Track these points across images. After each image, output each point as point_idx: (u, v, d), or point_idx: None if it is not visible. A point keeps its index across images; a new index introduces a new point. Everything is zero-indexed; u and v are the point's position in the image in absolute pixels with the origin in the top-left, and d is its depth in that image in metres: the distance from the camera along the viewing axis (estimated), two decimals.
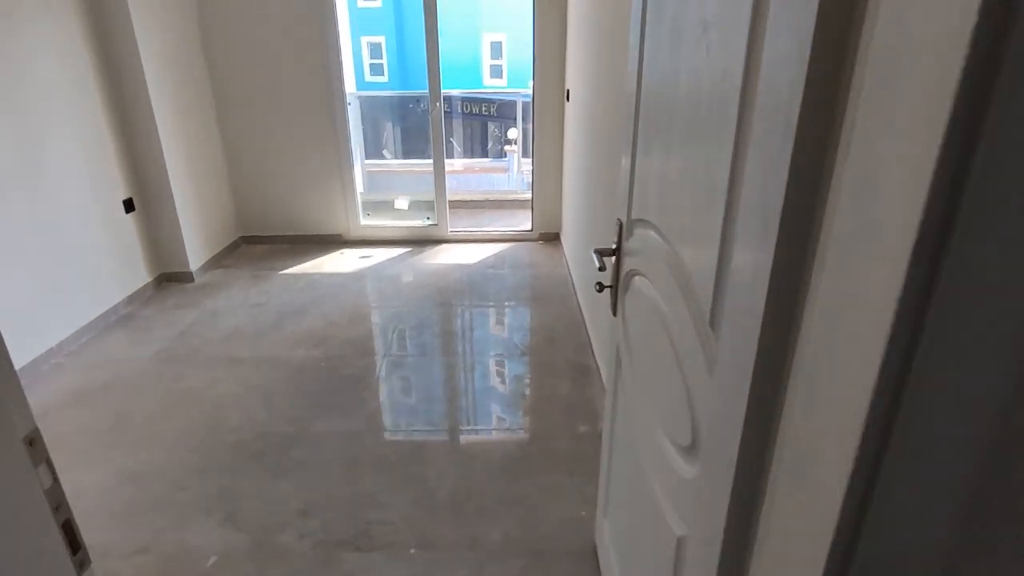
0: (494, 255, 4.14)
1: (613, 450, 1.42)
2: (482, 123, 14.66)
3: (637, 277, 1.20)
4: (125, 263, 3.34)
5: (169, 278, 3.67)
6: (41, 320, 2.75)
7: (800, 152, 0.52)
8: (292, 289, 3.58)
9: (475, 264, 3.98)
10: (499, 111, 14.10)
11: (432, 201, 4.33)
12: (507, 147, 8.63)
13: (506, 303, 3.43)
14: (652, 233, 1.06)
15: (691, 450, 0.84)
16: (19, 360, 2.61)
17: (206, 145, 3.92)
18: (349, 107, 4.12)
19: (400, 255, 4.16)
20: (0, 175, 2.54)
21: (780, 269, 0.56)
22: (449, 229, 4.38)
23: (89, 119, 3.07)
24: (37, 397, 2.50)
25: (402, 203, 4.72)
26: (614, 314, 1.39)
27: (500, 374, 2.70)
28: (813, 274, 0.53)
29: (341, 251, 4.24)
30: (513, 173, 8.11)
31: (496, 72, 18.32)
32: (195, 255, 3.73)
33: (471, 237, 4.42)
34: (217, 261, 3.99)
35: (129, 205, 3.36)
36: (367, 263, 4.02)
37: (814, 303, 0.53)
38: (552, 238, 4.39)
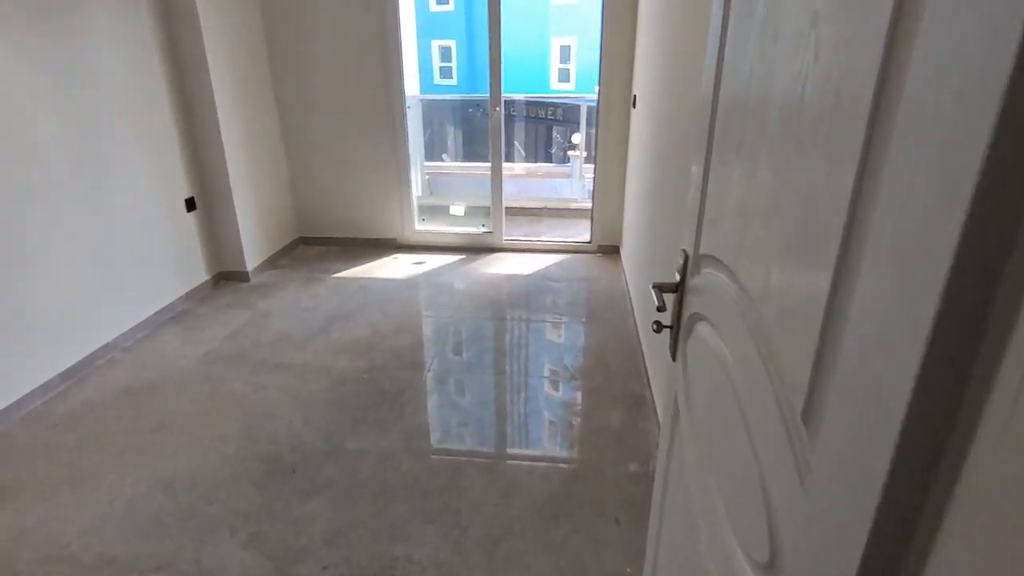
0: (549, 266, 3.97)
1: (664, 517, 1.22)
2: (547, 127, 14.52)
3: (702, 323, 1.01)
4: (184, 261, 3.39)
5: (227, 277, 3.72)
6: (100, 314, 2.81)
7: (989, 186, 0.33)
8: (343, 293, 3.54)
9: (529, 275, 3.82)
10: (565, 115, 13.92)
11: (488, 207, 4.21)
12: (570, 152, 8.44)
13: (559, 319, 3.25)
14: (724, 278, 0.86)
15: (769, 570, 0.65)
16: (76, 354, 2.67)
17: (268, 145, 3.96)
18: (409, 111, 4.07)
19: (453, 262, 4.06)
20: (67, 171, 2.60)
21: (941, 355, 0.37)
22: (504, 237, 4.25)
23: (155, 118, 3.13)
24: (87, 393, 2.54)
25: (458, 209, 4.63)
26: (673, 359, 1.19)
27: (548, 398, 2.52)
28: (1003, 369, 0.34)
29: (395, 256, 4.19)
30: (575, 179, 7.94)
31: (564, 76, 18.16)
32: (252, 255, 3.76)
33: (527, 246, 4.27)
34: (273, 261, 4.02)
35: (191, 204, 3.41)
36: (419, 269, 3.94)
37: (1003, 423, 0.34)
38: (611, 251, 4.18)
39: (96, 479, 2.04)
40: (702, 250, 1.01)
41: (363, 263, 4.05)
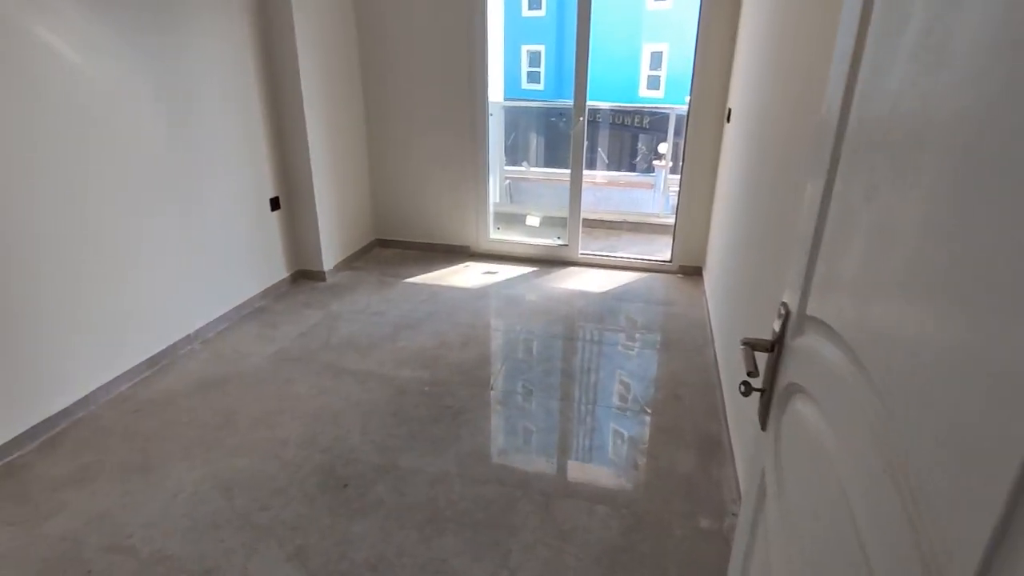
0: (625, 285, 3.79)
1: None
2: (632, 135, 14.19)
3: (802, 398, 0.84)
4: (266, 259, 3.50)
5: (305, 275, 3.82)
6: (187, 306, 2.93)
7: None
8: (413, 300, 3.53)
9: (603, 293, 3.65)
10: (651, 124, 13.55)
11: (565, 218, 4.08)
12: (656, 162, 8.17)
13: (632, 344, 3.07)
14: (838, 353, 0.70)
15: None
16: (163, 342, 2.80)
17: (352, 148, 4.03)
18: (492, 118, 4.01)
19: (525, 274, 3.96)
20: (165, 170, 2.73)
21: None
22: (580, 251, 4.10)
23: (248, 120, 3.24)
24: (168, 381, 2.64)
25: (533, 220, 4.53)
26: (763, 428, 1.02)
27: (614, 432, 2.36)
28: None
29: (467, 264, 4.15)
30: (659, 190, 7.66)
31: (654, 83, 17.69)
32: (330, 255, 3.83)
33: (603, 262, 4.10)
34: (350, 262, 4.09)
35: (275, 203, 3.52)
36: (490, 279, 3.87)
37: None
38: (693, 272, 3.93)
39: (165, 469, 2.10)
40: (810, 311, 0.84)
41: (435, 269, 4.04)
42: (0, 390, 2.11)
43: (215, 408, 2.46)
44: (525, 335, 3.12)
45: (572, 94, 3.76)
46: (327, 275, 3.81)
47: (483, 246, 4.27)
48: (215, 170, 3.03)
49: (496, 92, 4.89)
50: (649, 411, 2.49)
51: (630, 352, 2.99)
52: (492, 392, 2.60)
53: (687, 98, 3.70)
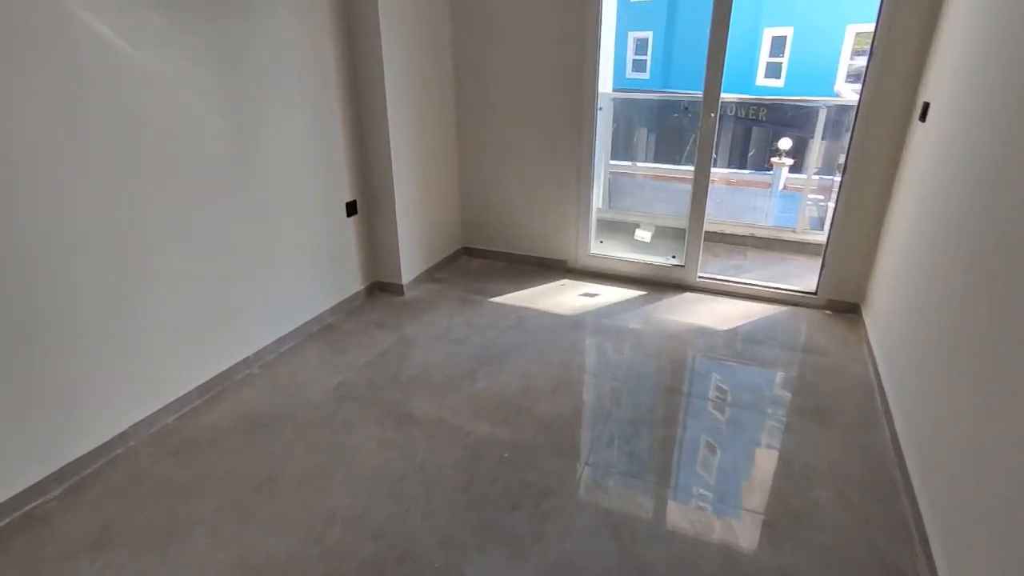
0: (756, 321, 3.07)
1: None
2: (745, 128, 12.92)
3: None
4: (339, 269, 3.14)
5: (381, 287, 3.43)
6: (248, 323, 2.61)
7: None
8: (498, 326, 3.03)
9: (727, 331, 2.97)
10: (769, 116, 12.23)
11: (679, 230, 3.40)
12: (774, 159, 7.17)
13: (767, 410, 2.38)
14: None
15: None
16: (218, 366, 2.49)
17: (440, 145, 3.59)
18: (600, 112, 3.41)
19: (631, 299, 3.34)
20: (230, 172, 2.39)
21: None
22: (698, 273, 3.42)
23: (324, 113, 2.86)
24: (216, 415, 2.32)
25: (643, 235, 3.88)
26: None
27: (748, 556, 1.73)
28: None
29: (562, 281, 3.59)
30: (776, 190, 6.74)
31: (773, 71, 16.11)
32: (410, 266, 3.42)
33: (726, 288, 3.39)
34: (432, 274, 3.66)
35: (351, 208, 3.14)
36: (589, 303, 3.29)
37: None
38: (846, 309, 3.13)
39: (188, 542, 1.73)
40: None
41: (526, 287, 3.52)
42: (31, 425, 1.84)
43: (260, 456, 2.09)
44: (630, 385, 2.52)
45: (679, 83, 3.11)
46: (405, 289, 3.40)
47: (582, 261, 3.69)
48: (285, 171, 2.67)
49: (606, 83, 4.28)
50: (797, 522, 1.82)
51: (767, 422, 2.31)
52: (586, 469, 2.03)
53: (855, 88, 2.90)
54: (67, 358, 1.91)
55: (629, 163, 5.99)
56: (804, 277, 3.45)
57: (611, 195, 5.25)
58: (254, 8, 2.39)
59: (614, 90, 4.72)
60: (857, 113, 2.83)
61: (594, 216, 3.63)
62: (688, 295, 3.38)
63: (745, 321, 3.06)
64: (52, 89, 1.76)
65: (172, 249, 2.21)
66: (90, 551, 1.71)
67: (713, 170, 3.17)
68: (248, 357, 2.63)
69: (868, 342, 2.76)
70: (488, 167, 3.72)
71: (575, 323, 3.06)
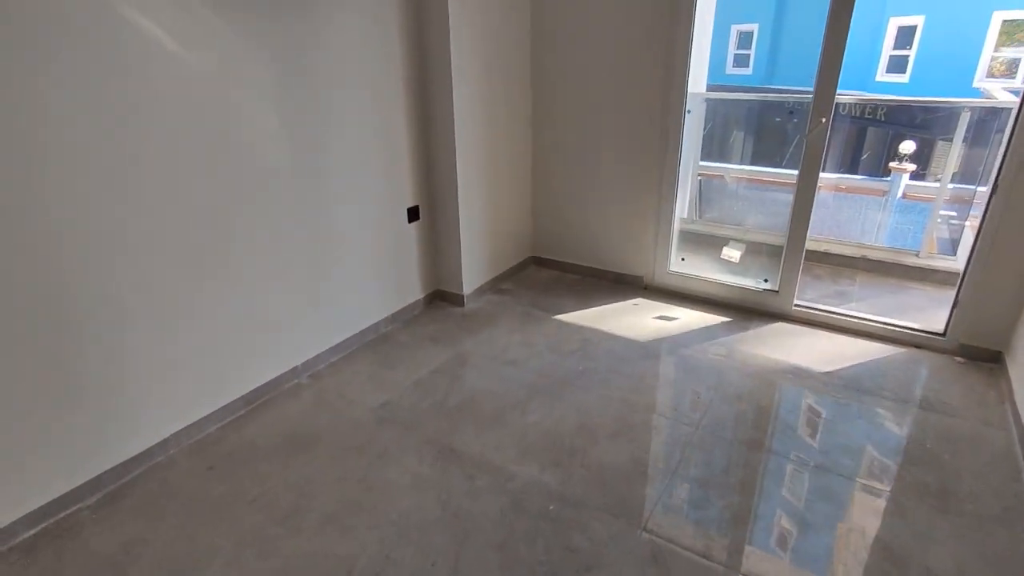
0: (863, 364, 2.62)
1: None
2: (858, 129, 11.74)
3: None
4: (399, 277, 3.00)
5: (442, 297, 3.27)
6: (301, 330, 2.53)
7: None
8: (560, 349, 2.77)
9: (826, 374, 2.54)
10: (888, 115, 11.02)
11: (775, 247, 2.98)
12: (893, 164, 6.36)
13: (872, 483, 1.97)
14: None
15: None
16: (264, 376, 2.42)
17: (513, 148, 3.36)
18: (688, 115, 3.05)
19: (713, 326, 2.97)
20: (287, 173, 2.29)
21: None
22: (795, 301, 2.98)
23: (389, 113, 2.72)
24: (257, 428, 2.23)
25: (732, 254, 3.47)
26: None
27: None
28: None
29: (636, 300, 3.27)
30: (894, 199, 5.98)
31: (897, 65, 14.55)
32: (472, 276, 3.24)
33: (827, 320, 2.93)
34: (496, 284, 3.46)
35: (414, 213, 2.99)
36: (665, 328, 2.96)
37: None
38: (987, 358, 2.59)
39: (205, 574, 1.63)
40: None
41: (596, 304, 3.23)
42: (70, 429, 1.82)
43: (291, 482, 1.97)
44: (703, 435, 2.19)
45: (784, 78, 2.66)
46: (466, 300, 3.22)
47: (660, 279, 3.35)
48: (346, 175, 2.55)
49: (699, 81, 3.89)
50: None
51: (872, 499, 1.90)
52: (644, 536, 1.74)
53: (1004, 86, 2.36)
54: (111, 360, 1.88)
55: (722, 165, 5.48)
56: (928, 313, 2.92)
57: (701, 202, 4.81)
58: (319, 6, 2.27)
59: (708, 88, 4.30)
60: (1019, 117, 2.30)
61: (676, 230, 3.28)
62: (781, 325, 2.96)
63: (849, 363, 2.61)
64: (106, 88, 1.70)
65: (225, 251, 2.14)
66: (108, 570, 1.65)
67: (820, 175, 2.73)
68: (297, 367, 2.55)
69: (1013, 403, 2.25)
70: (563, 173, 3.45)
71: (646, 351, 2.75)
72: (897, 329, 2.77)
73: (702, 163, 4.40)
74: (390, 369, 2.64)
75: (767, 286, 3.07)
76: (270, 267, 2.33)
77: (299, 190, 2.37)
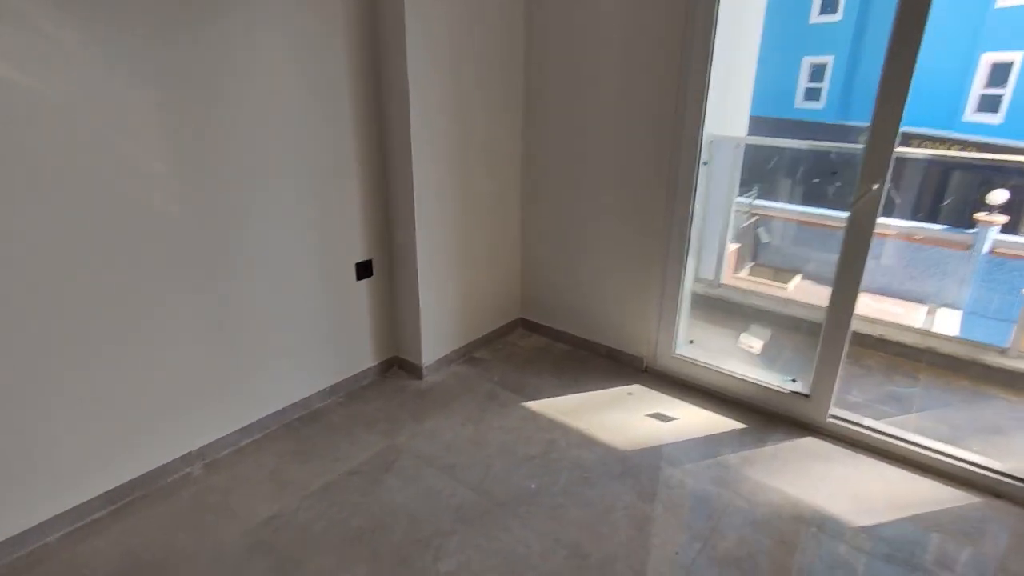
0: (918, 517, 1.92)
1: None
2: (942, 171, 10.60)
3: None
4: (342, 342, 2.53)
5: (401, 364, 2.78)
6: (203, 405, 2.09)
7: None
8: (515, 452, 2.21)
9: (863, 531, 1.86)
10: (983, 162, 9.89)
11: (813, 324, 2.31)
12: (980, 215, 5.44)
13: None
14: None
15: None
16: (154, 458, 1.98)
17: (496, 198, 2.86)
18: (704, 166, 2.46)
19: (719, 435, 2.33)
20: (179, 218, 1.87)
21: None
22: (831, 410, 2.30)
23: (331, 154, 2.27)
24: (108, 539, 1.78)
25: (753, 343, 2.81)
26: None
27: None
28: None
29: (631, 387, 2.67)
30: (980, 253, 5.09)
31: (989, 104, 13.21)
32: (438, 341, 2.73)
33: (873, 442, 2.23)
34: (470, 351, 2.94)
35: (365, 269, 2.52)
36: (657, 433, 2.34)
37: None
38: None
39: None
40: None
41: (581, 387, 2.65)
42: None
43: None
44: None
45: (858, 113, 2.03)
46: (425, 371, 2.71)
47: (663, 362, 2.73)
48: (265, 226, 2.11)
49: (735, 121, 3.30)
50: None
51: None
52: None
53: None
54: None
55: (753, 202, 4.69)
56: (1017, 440, 2.18)
57: (753, 250, 4.14)
58: (229, 18, 1.85)
59: (758, 121, 3.68)
60: None
61: (685, 303, 2.66)
62: (809, 442, 2.28)
63: (900, 514, 1.92)
64: None
65: (93, 325, 1.71)
66: None
67: (891, 221, 2.14)
68: (191, 452, 2.10)
69: None
70: (555, 226, 2.91)
71: (624, 467, 2.14)
72: (973, 469, 2.05)
73: (739, 199, 3.72)
74: (302, 463, 2.15)
75: (795, 387, 2.40)
76: (158, 340, 1.90)
77: (195, 245, 1.94)
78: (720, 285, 3.60)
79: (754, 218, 4.47)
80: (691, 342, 2.69)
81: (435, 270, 2.61)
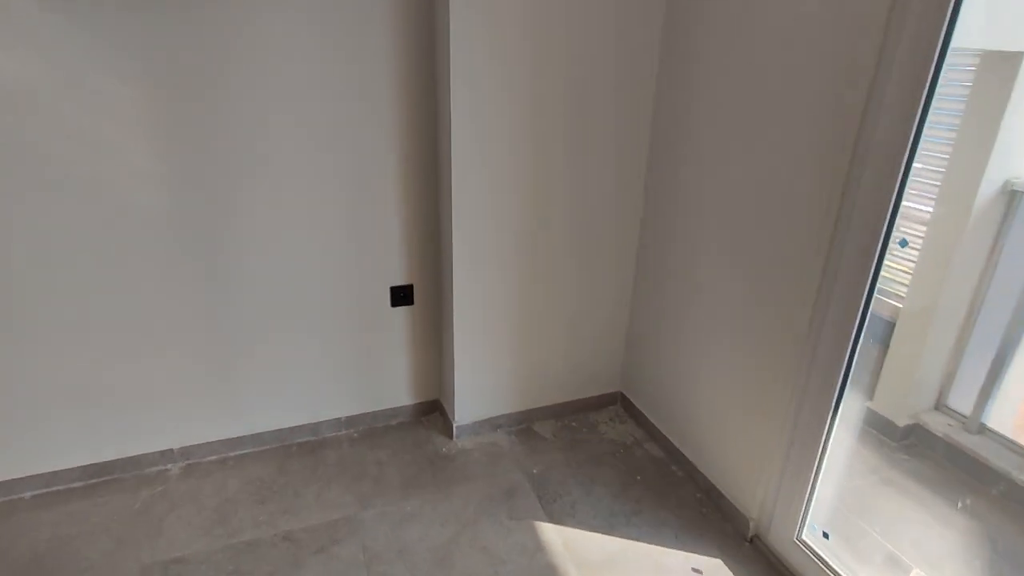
0: None
1: None
2: None
3: None
4: (365, 372, 2.19)
5: (442, 412, 2.32)
6: (193, 405, 2.01)
7: None
8: None
9: None
10: None
11: None
12: None
13: None
14: None
15: None
16: (133, 447, 1.98)
17: (599, 225, 2.13)
18: (903, 246, 1.34)
19: None
20: (177, 224, 1.76)
21: None
22: None
23: (365, 159, 1.90)
24: (57, 516, 1.79)
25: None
26: None
27: None
28: None
29: (706, 566, 1.72)
30: None
31: None
32: (484, 396, 2.20)
33: None
34: (529, 419, 2.31)
35: (402, 295, 2.11)
36: None
37: None
38: None
39: None
40: None
41: (636, 531, 1.82)
42: None
43: None
44: None
45: None
46: (456, 431, 2.20)
47: (776, 541, 1.69)
48: (283, 233, 1.87)
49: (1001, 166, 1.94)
50: None
51: None
52: None
53: None
54: None
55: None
56: None
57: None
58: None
59: None
60: None
61: (838, 462, 1.57)
62: None
63: None
64: None
65: (93, 327, 1.72)
66: None
67: None
68: (173, 450, 2.03)
69: None
70: (670, 295, 2.04)
71: None
72: None
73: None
74: (258, 502, 1.89)
75: None
76: (160, 329, 1.83)
77: (199, 245, 1.79)
78: (982, 429, 2.17)
79: None
80: (826, 535, 1.58)
81: (484, 310, 2.05)
